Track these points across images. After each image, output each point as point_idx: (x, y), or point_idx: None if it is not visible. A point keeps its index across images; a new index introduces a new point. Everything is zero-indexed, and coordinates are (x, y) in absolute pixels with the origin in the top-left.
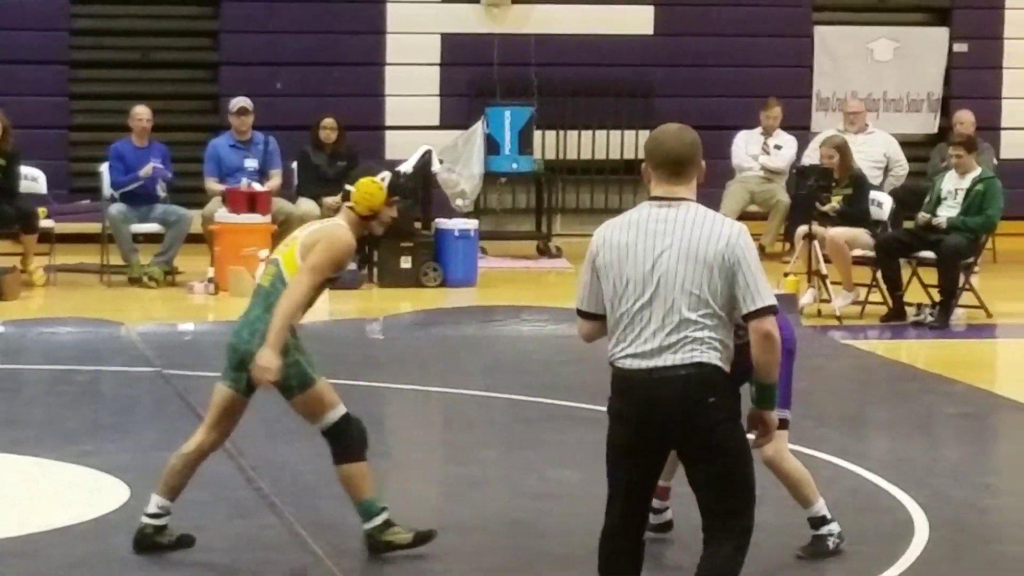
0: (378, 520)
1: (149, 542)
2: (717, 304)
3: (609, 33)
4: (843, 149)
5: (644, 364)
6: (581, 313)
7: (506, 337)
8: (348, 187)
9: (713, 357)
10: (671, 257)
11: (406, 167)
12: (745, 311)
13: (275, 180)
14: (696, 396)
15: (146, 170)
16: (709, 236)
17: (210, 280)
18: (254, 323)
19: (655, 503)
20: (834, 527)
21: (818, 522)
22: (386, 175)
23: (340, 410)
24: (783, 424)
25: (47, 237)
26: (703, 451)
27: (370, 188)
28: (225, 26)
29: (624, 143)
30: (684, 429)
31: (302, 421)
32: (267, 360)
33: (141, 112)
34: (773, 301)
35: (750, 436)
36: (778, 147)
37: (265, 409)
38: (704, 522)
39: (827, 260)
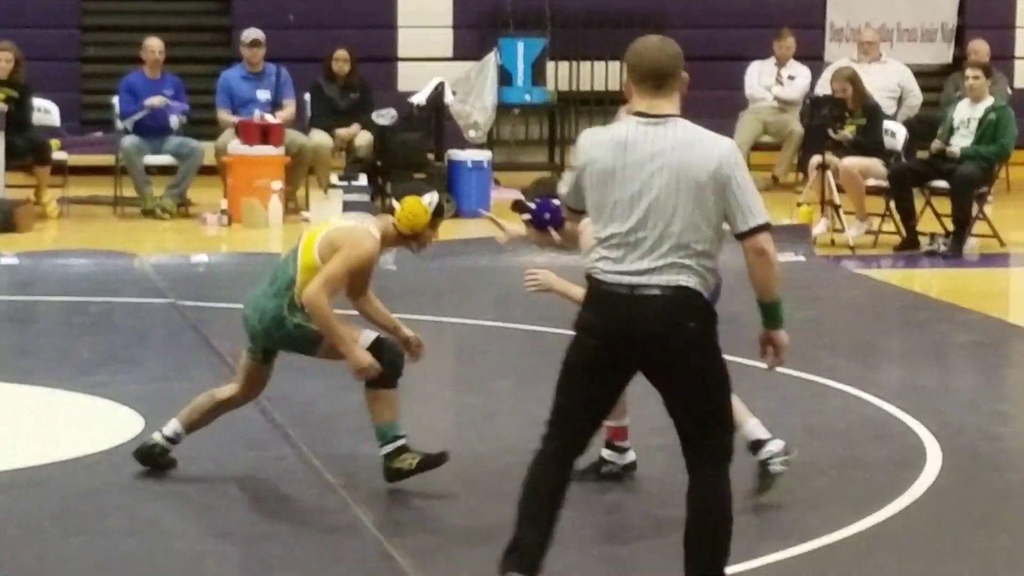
0: (390, 447)
1: (152, 459)
2: (710, 225)
3: None
4: (855, 80)
5: (627, 280)
6: (567, 207)
7: (519, 268)
8: (395, 203)
9: (697, 283)
10: (662, 180)
11: (419, 99)
12: (738, 231)
13: (288, 111)
14: (676, 319)
15: (152, 101)
16: (701, 156)
17: (223, 212)
18: (259, 299)
19: (618, 443)
20: (773, 446)
21: (756, 446)
22: (433, 197)
23: (368, 336)
24: None
25: (60, 169)
26: (681, 376)
27: (415, 209)
28: None
29: None
30: (661, 351)
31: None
32: (357, 364)
33: (153, 44)
34: (766, 219)
35: (765, 359)
36: (791, 77)
37: None
38: (684, 448)
39: (840, 190)
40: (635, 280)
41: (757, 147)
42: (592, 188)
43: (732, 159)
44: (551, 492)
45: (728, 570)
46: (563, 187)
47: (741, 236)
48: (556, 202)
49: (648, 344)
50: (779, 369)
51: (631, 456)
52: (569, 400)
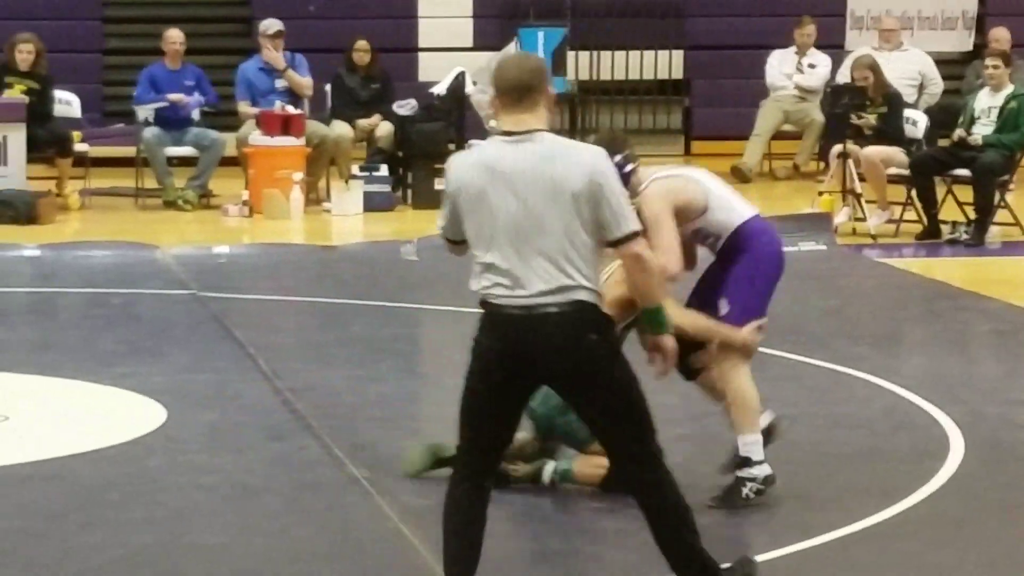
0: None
1: None
2: (588, 235)
3: None
4: (875, 68)
5: (522, 303)
6: (447, 240)
7: None
8: None
9: (588, 295)
10: (534, 196)
11: (439, 89)
12: (611, 238)
13: (307, 85)
14: (576, 333)
15: (177, 97)
16: (569, 167)
17: (244, 203)
18: None
19: None
20: (758, 471)
21: (740, 463)
22: None
23: None
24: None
25: (81, 161)
26: (591, 389)
27: None
28: None
29: (658, 63)
30: (566, 368)
31: (340, 346)
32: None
33: (174, 35)
34: (638, 226)
35: (652, 366)
36: (812, 66)
37: (303, 333)
38: (614, 462)
39: (862, 179)
40: (530, 301)
41: (779, 136)
42: (468, 214)
43: (601, 167)
44: (470, 519)
45: (759, 558)
46: (440, 220)
47: (615, 243)
48: (629, 167)
49: (552, 363)
50: (801, 358)
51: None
52: (475, 426)
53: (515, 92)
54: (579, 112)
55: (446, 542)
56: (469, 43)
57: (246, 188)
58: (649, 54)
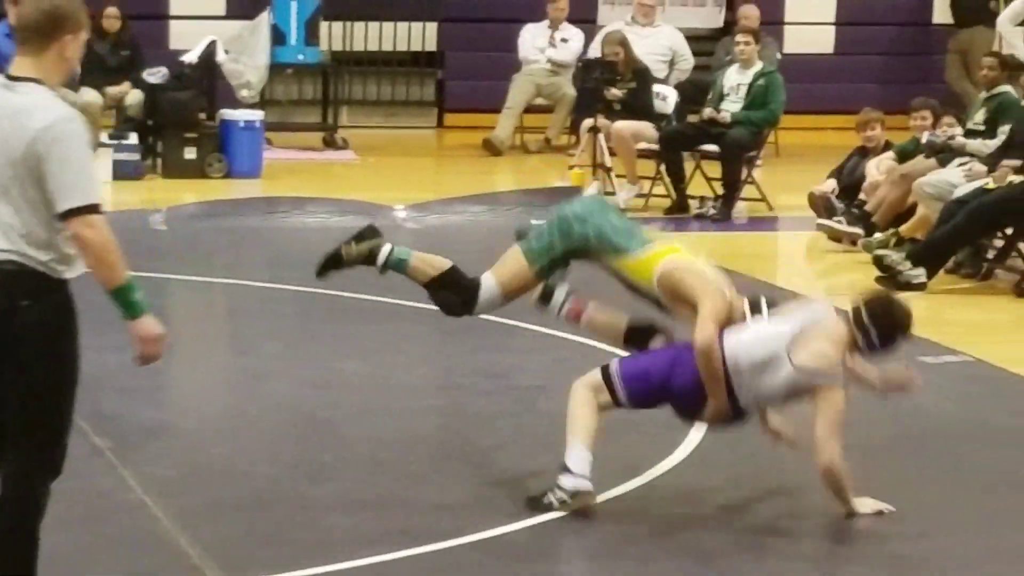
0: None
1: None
2: (36, 202)
3: None
4: (625, 44)
5: None
6: None
7: (291, 228)
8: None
9: (34, 261)
10: None
11: (190, 57)
12: (57, 211)
13: None
14: (6, 296)
15: None
16: (23, 125)
17: None
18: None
19: None
20: (579, 484)
21: (563, 469)
22: None
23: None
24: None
25: None
26: (12, 364)
27: None
28: None
29: (411, 35)
30: None
31: (86, 313)
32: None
33: None
34: (93, 200)
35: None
36: (564, 40)
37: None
38: (8, 452)
39: (612, 153)
40: None
41: (531, 109)
42: None
43: (58, 128)
44: None
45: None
46: None
47: (61, 218)
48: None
49: None
50: (548, 330)
51: None
52: None
53: (21, 31)
54: (332, 82)
55: None
56: (222, 12)
57: None
58: (403, 25)
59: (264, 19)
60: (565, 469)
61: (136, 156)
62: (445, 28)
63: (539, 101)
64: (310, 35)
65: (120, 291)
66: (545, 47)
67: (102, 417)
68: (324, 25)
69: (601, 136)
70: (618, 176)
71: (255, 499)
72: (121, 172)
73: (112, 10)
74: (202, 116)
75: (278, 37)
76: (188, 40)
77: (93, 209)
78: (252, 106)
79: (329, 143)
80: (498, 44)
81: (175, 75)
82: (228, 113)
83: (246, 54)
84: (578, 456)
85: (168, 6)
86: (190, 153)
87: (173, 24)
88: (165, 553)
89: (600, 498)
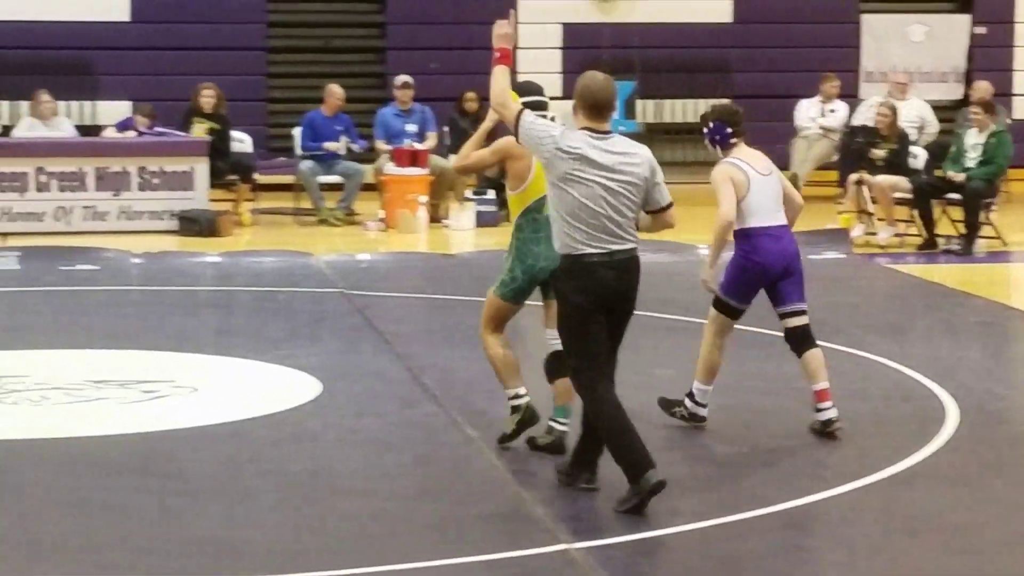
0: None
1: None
2: None
3: (696, 21)
4: (895, 111)
5: None
6: None
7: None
8: None
9: None
10: None
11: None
12: None
13: (431, 141)
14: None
15: (334, 145)
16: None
17: (381, 220)
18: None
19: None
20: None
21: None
22: None
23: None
24: (727, 310)
25: (253, 187)
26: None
27: None
28: (390, 18)
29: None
30: None
31: (457, 333)
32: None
33: (336, 91)
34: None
35: None
36: (832, 111)
37: (428, 323)
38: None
39: (874, 201)
40: None
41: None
42: None
43: None
44: None
45: (785, 505)
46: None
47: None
48: (728, 129)
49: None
50: (826, 343)
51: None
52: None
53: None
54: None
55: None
56: (559, 93)
57: (382, 208)
58: (702, 102)
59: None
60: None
61: (494, 208)
62: (736, 103)
63: (812, 160)
64: (628, 111)
65: None
66: (816, 116)
67: (473, 412)
68: (640, 102)
69: (865, 188)
70: (879, 220)
71: (608, 486)
72: (482, 220)
73: (471, 94)
74: None
75: None
76: None
77: None
78: None
79: None
80: (777, 115)
81: None
82: None
83: None
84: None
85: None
86: None
87: None
88: (526, 523)
89: (872, 478)
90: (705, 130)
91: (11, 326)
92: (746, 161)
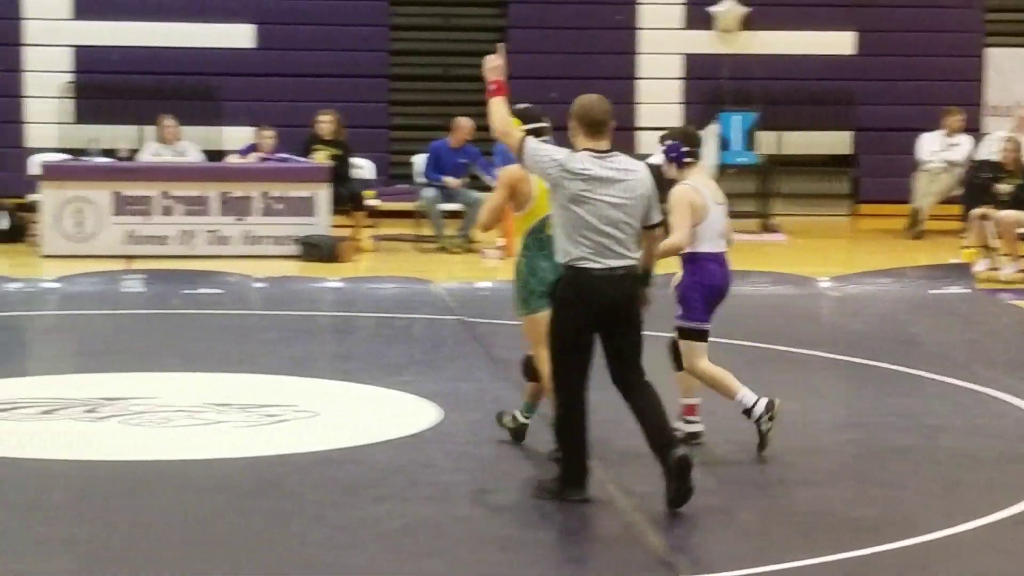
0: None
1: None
2: None
3: (819, 53)
4: (1020, 146)
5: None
6: None
7: (739, 295)
8: None
9: None
10: None
11: (655, 159)
12: None
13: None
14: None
15: (453, 182)
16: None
17: (501, 248)
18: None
19: (688, 417)
20: (758, 408)
21: (747, 413)
22: None
23: None
24: (699, 335)
25: (373, 213)
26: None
27: None
28: (512, 47)
29: (830, 141)
30: None
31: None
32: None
33: (464, 124)
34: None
35: None
36: (955, 144)
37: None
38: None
39: (998, 236)
40: None
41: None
42: None
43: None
44: None
45: (908, 541)
46: None
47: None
48: (684, 148)
49: None
50: (948, 379)
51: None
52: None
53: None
54: (766, 179)
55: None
56: (679, 124)
57: (502, 237)
58: (824, 134)
59: (713, 130)
60: (749, 411)
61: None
62: (858, 136)
63: (934, 193)
64: (749, 142)
65: None
66: (938, 150)
67: (591, 442)
68: (761, 134)
69: (989, 222)
70: (1002, 255)
71: (726, 504)
72: None
73: None
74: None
75: (724, 144)
76: (652, 147)
77: None
78: None
79: (765, 227)
80: (901, 148)
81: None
82: None
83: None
84: (746, 394)
85: (637, 120)
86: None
87: (640, 134)
88: (641, 551)
89: (996, 516)
90: (662, 148)
91: (136, 348)
92: (704, 187)
